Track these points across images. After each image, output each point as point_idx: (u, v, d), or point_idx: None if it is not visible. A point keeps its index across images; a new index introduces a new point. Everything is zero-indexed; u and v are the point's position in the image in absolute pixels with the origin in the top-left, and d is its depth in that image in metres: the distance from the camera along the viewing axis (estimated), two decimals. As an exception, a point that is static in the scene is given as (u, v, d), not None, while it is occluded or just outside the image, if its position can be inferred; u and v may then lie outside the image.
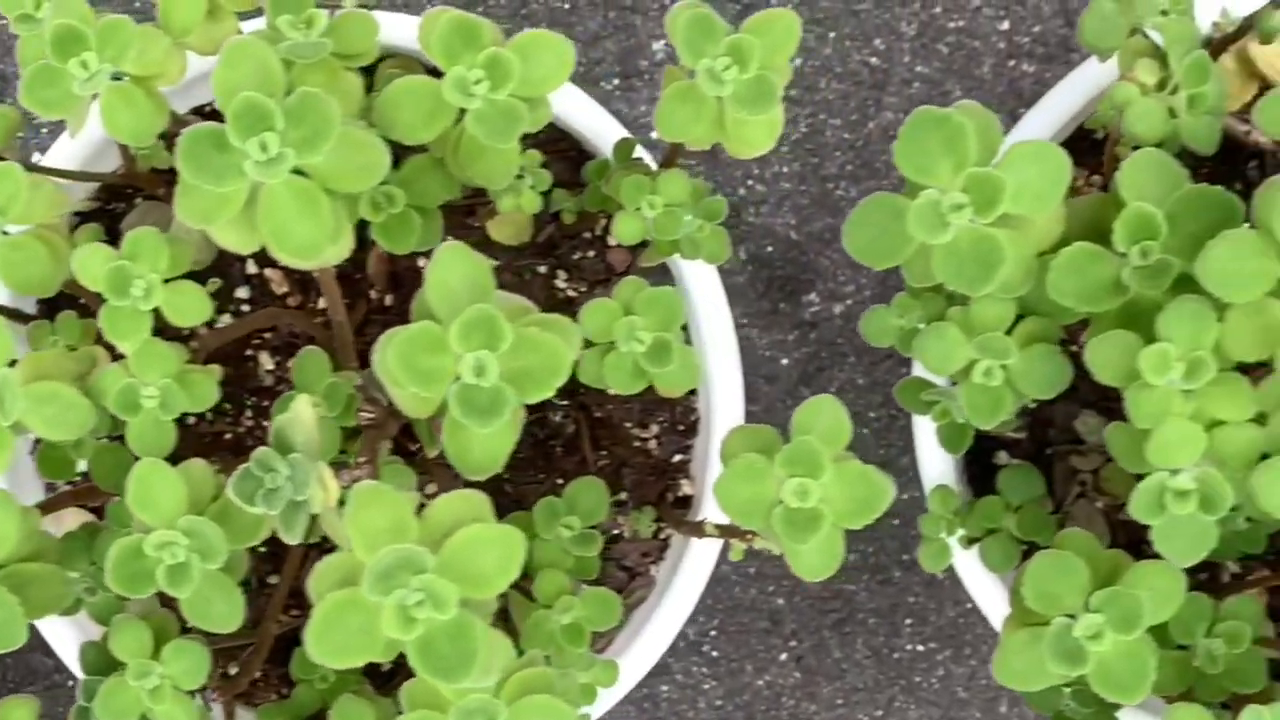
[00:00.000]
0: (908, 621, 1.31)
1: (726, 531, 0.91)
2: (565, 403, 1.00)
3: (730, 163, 1.29)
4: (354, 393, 0.78)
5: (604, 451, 1.00)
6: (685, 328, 1.00)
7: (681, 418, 1.01)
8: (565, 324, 0.68)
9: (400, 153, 0.81)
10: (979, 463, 1.03)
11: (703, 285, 0.96)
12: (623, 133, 0.90)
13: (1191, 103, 0.78)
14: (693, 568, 1.00)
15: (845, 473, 0.75)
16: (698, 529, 0.94)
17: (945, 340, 0.77)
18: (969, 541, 0.96)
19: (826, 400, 0.77)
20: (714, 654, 1.35)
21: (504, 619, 0.90)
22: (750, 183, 1.28)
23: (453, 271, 0.67)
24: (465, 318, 0.65)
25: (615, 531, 1.03)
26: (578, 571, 0.90)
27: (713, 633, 1.36)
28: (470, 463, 0.67)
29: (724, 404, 0.98)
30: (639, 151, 0.92)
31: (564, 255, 0.99)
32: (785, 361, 1.31)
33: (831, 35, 1.33)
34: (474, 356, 0.65)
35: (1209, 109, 0.78)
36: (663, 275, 1.02)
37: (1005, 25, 1.30)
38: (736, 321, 1.33)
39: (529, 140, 1.00)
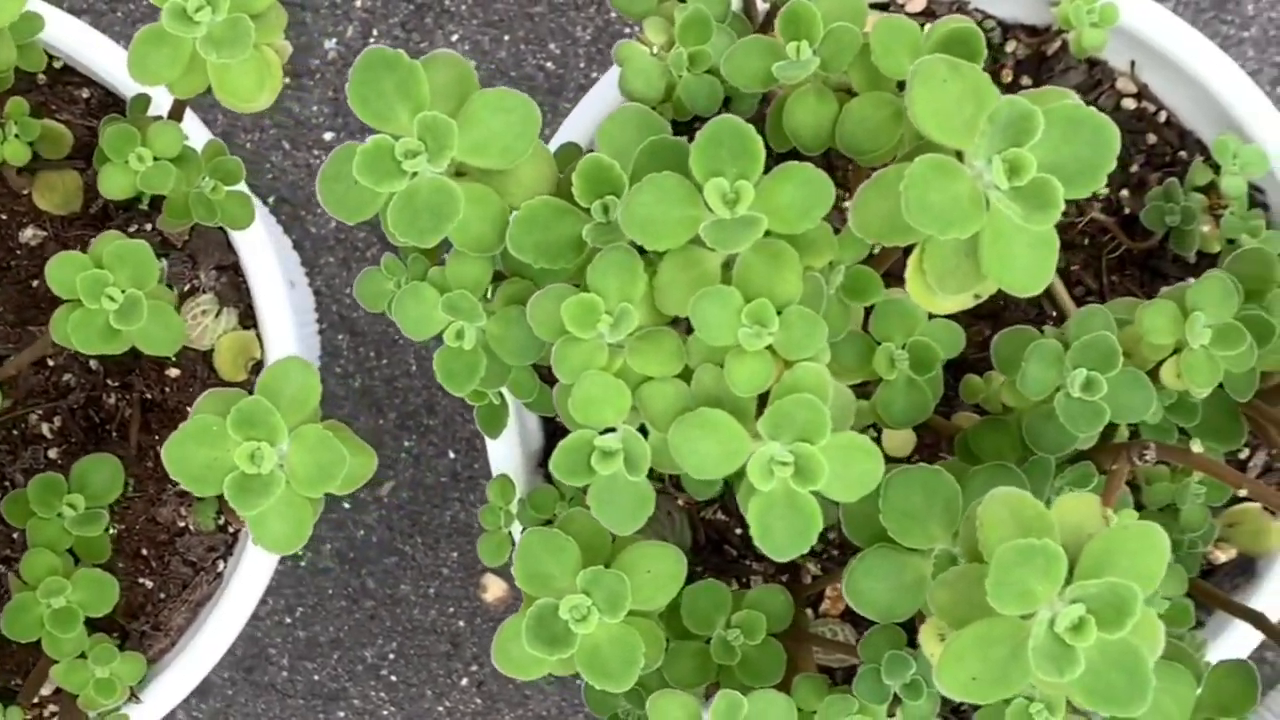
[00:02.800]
0: (591, 645, 1.27)
1: (257, 517, 0.85)
2: (117, 383, 0.94)
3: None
4: None
5: (159, 437, 0.94)
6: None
7: (247, 403, 0.95)
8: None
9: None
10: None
11: (255, 257, 0.91)
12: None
13: (692, 61, 0.74)
14: (254, 562, 0.95)
15: (305, 437, 0.70)
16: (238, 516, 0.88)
17: (422, 302, 0.72)
18: (526, 534, 0.91)
19: (294, 362, 0.72)
20: (392, 678, 1.30)
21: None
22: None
23: None
24: None
25: (181, 525, 0.97)
26: (85, 554, 0.84)
27: (391, 656, 1.31)
28: None
29: (282, 386, 0.92)
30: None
31: (118, 227, 0.93)
32: (462, 372, 1.27)
33: (506, 38, 1.30)
34: None
35: (710, 68, 0.74)
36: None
37: (679, 30, 1.28)
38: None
39: (85, 105, 0.96)
